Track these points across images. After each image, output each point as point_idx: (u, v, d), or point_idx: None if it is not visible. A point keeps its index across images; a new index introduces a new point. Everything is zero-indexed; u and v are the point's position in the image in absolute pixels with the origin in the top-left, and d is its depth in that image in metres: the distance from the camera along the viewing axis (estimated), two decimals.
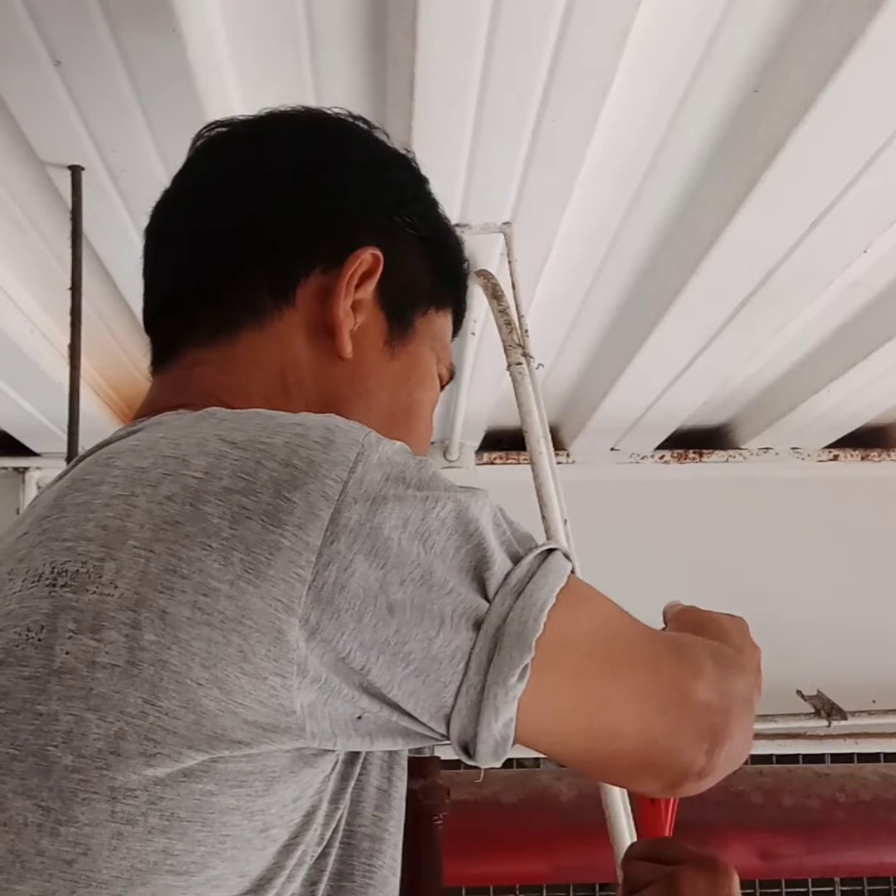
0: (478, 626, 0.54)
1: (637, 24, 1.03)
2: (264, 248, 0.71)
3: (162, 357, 0.73)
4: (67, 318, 1.42)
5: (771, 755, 2.38)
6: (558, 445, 2.54)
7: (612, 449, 2.58)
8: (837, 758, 2.41)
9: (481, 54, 1.06)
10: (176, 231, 0.75)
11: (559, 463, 1.55)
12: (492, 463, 2.53)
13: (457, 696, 0.54)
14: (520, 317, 1.44)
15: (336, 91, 1.19)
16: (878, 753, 2.43)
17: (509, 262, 1.45)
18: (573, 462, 2.57)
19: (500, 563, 0.56)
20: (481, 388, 2.01)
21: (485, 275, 1.49)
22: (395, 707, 0.54)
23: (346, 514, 0.53)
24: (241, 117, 0.77)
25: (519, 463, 2.48)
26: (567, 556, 0.61)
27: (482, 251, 1.49)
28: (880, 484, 2.63)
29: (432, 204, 0.81)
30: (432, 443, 2.46)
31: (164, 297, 0.74)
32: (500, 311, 1.42)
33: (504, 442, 2.53)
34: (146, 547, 0.52)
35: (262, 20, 1.09)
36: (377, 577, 0.52)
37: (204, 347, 0.70)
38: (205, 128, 0.77)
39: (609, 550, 2.34)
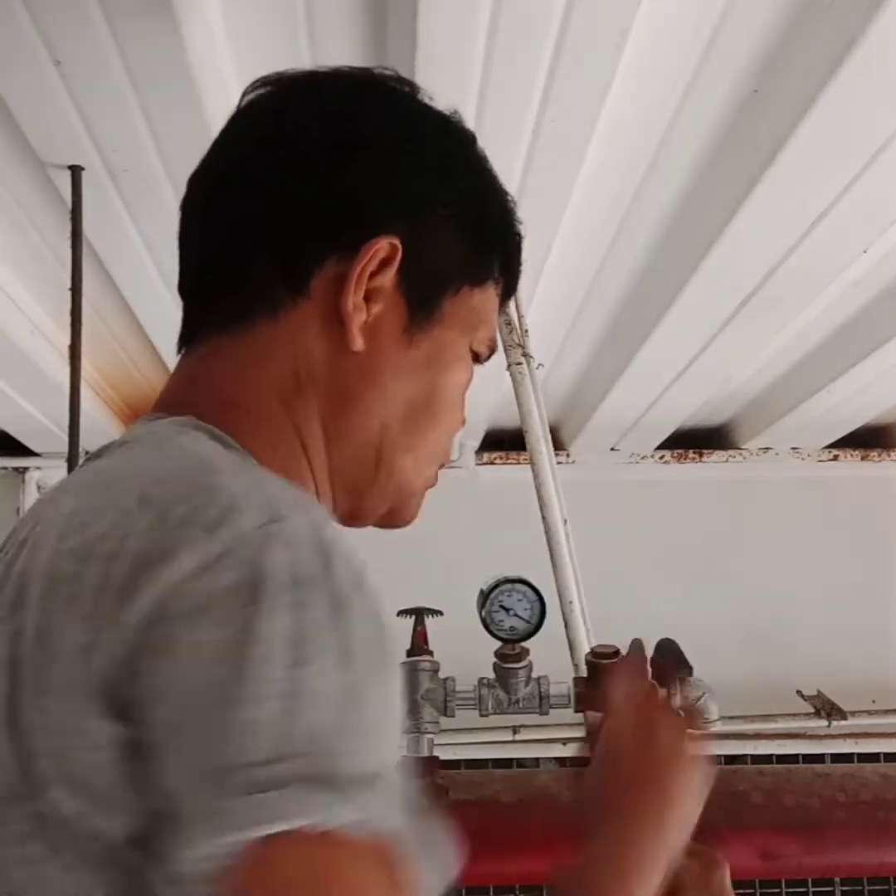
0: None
1: (637, 24, 1.03)
2: (282, 235, 0.68)
3: (184, 338, 0.71)
4: (67, 319, 1.42)
5: (771, 755, 2.38)
6: (558, 445, 2.54)
7: (612, 449, 2.58)
8: (837, 758, 2.41)
9: (481, 54, 1.06)
10: (201, 210, 0.72)
11: (559, 463, 1.55)
12: (492, 463, 2.53)
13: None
14: (520, 317, 1.44)
15: None
16: (878, 753, 2.42)
17: None
18: (573, 462, 2.57)
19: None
20: (481, 388, 2.01)
21: None
22: None
23: (172, 607, 0.49)
24: (288, 75, 0.73)
25: (519, 463, 2.48)
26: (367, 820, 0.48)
27: None
28: (880, 484, 2.63)
29: (476, 172, 0.76)
30: None
31: (190, 278, 0.72)
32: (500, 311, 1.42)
33: (504, 442, 2.53)
34: (36, 604, 0.52)
35: (262, 20, 1.09)
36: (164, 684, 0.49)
37: (222, 334, 0.68)
38: (250, 86, 0.73)
39: (609, 550, 2.35)
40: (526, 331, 1.44)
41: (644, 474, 2.62)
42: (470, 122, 1.16)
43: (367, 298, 0.68)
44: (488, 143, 1.21)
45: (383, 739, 0.52)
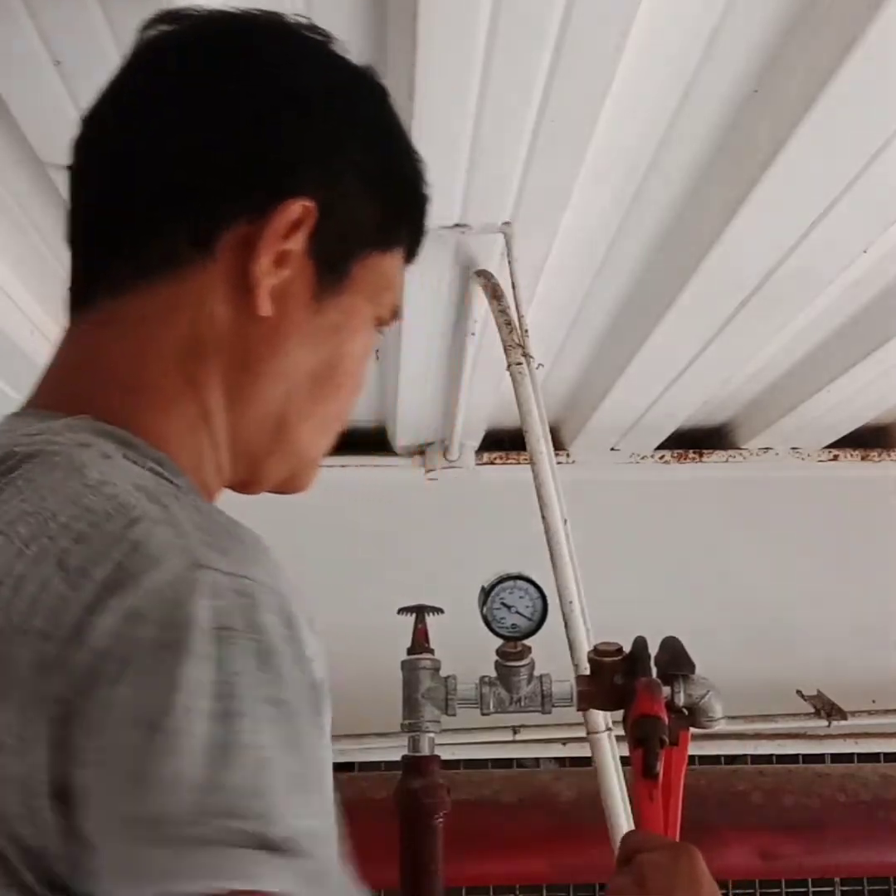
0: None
1: (637, 24, 1.03)
2: (189, 188, 0.64)
3: (76, 300, 0.67)
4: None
5: (771, 755, 2.38)
6: (558, 445, 2.54)
7: (612, 449, 2.58)
8: (837, 758, 2.40)
9: (481, 54, 1.06)
10: (97, 150, 0.67)
11: (559, 463, 1.55)
12: (492, 463, 2.52)
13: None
14: (520, 317, 1.44)
15: None
16: (878, 753, 2.42)
17: (509, 262, 1.45)
18: (573, 462, 2.57)
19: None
20: (481, 388, 2.01)
21: (485, 275, 1.49)
22: None
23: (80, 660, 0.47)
24: (192, 13, 0.68)
25: (519, 463, 2.48)
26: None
27: (482, 251, 1.49)
28: (880, 484, 2.63)
29: (389, 129, 0.74)
30: (432, 443, 2.47)
31: (79, 228, 0.67)
32: (500, 311, 1.42)
33: (504, 442, 2.53)
34: None
35: None
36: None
37: (116, 298, 0.64)
38: (150, 20, 0.68)
39: (609, 550, 2.34)
40: (526, 331, 1.44)
41: (644, 474, 2.62)
42: (469, 123, 1.17)
43: (277, 262, 0.64)
44: (488, 143, 1.21)
45: (315, 795, 0.49)
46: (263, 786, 0.46)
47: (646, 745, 0.84)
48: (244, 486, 0.71)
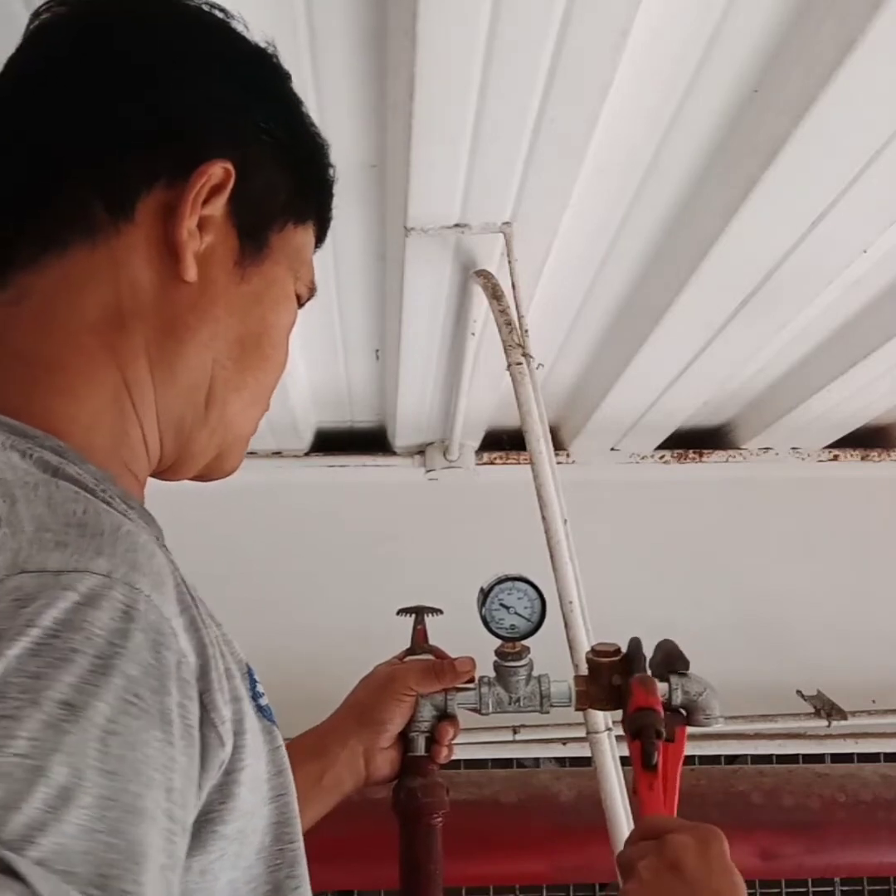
0: None
1: (637, 24, 1.03)
2: (97, 153, 0.63)
3: None
4: None
5: (771, 755, 2.38)
6: (558, 445, 2.54)
7: (612, 449, 2.58)
8: (837, 758, 2.40)
9: (481, 54, 1.06)
10: (5, 118, 0.65)
11: (559, 463, 1.55)
12: (492, 463, 2.53)
13: None
14: (520, 317, 1.44)
15: (336, 91, 1.19)
16: (878, 753, 2.42)
17: (509, 262, 1.45)
18: (573, 462, 2.57)
19: None
20: (481, 388, 2.01)
21: (485, 275, 1.49)
22: None
23: None
24: None
25: (519, 463, 2.48)
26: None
27: (482, 251, 1.49)
28: (880, 484, 2.63)
29: (294, 106, 0.73)
30: (432, 443, 2.47)
31: None
32: (500, 311, 1.42)
33: (504, 442, 2.53)
34: None
35: (261, 20, 1.09)
36: None
37: (28, 272, 0.62)
38: (42, 5, 0.67)
39: (609, 550, 2.34)
40: (526, 331, 1.44)
41: (644, 474, 2.62)
42: (469, 124, 1.17)
43: (199, 227, 0.64)
44: (488, 143, 1.21)
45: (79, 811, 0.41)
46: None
47: (643, 736, 0.85)
48: (172, 468, 0.69)
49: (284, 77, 0.74)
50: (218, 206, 0.65)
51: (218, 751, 0.53)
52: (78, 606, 0.46)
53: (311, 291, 0.76)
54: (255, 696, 0.61)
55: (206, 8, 0.70)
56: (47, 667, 0.43)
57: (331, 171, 0.77)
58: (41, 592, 0.45)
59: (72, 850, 0.40)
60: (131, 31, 0.66)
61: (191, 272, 0.63)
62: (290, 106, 0.74)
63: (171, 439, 0.66)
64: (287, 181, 0.71)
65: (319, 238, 0.77)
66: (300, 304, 0.76)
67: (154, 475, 0.69)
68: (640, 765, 0.84)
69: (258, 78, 0.71)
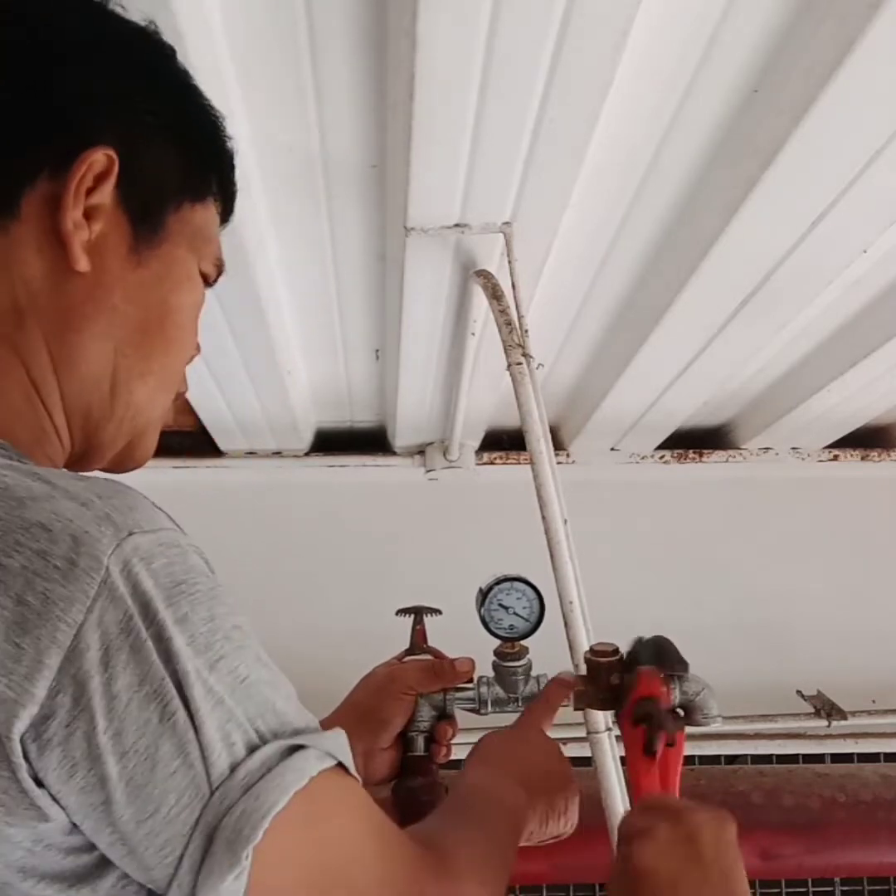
0: (195, 820, 0.50)
1: (637, 24, 1.03)
2: None
3: None
4: None
5: (771, 755, 2.38)
6: (558, 445, 2.54)
7: (612, 449, 2.58)
8: (837, 758, 2.41)
9: (481, 54, 1.06)
10: None
11: (559, 463, 1.55)
12: (492, 463, 2.53)
13: (169, 886, 0.50)
14: (520, 317, 1.44)
15: (336, 91, 1.19)
16: (878, 753, 2.42)
17: (509, 262, 1.45)
18: (573, 462, 2.57)
19: (227, 751, 0.51)
20: (481, 388, 2.01)
21: (485, 275, 1.49)
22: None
23: (76, 664, 0.48)
24: None
25: (519, 463, 2.48)
26: (333, 754, 0.57)
27: (482, 251, 1.49)
28: (880, 484, 2.63)
29: (180, 84, 0.72)
30: (432, 443, 2.47)
31: None
32: (500, 311, 1.42)
33: (504, 442, 2.53)
34: None
35: (261, 20, 1.09)
36: (98, 741, 0.48)
37: None
38: None
39: (609, 550, 2.35)
40: (526, 331, 1.44)
41: (644, 474, 2.62)
42: (469, 124, 1.17)
43: (87, 216, 0.63)
44: (488, 143, 1.21)
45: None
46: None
47: (648, 722, 0.85)
48: (83, 459, 0.69)
49: (167, 55, 0.72)
50: (105, 194, 0.64)
51: None
52: (188, 552, 0.56)
53: (219, 269, 0.75)
54: None
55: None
56: (221, 606, 0.56)
57: (228, 144, 0.75)
58: (163, 545, 0.54)
59: (297, 717, 0.57)
60: (21, 23, 0.64)
61: (81, 263, 0.63)
62: (175, 85, 0.72)
63: (78, 430, 0.67)
64: (178, 161, 0.69)
65: (225, 213, 0.76)
66: (209, 284, 0.74)
67: (66, 466, 0.69)
68: (640, 751, 0.84)
69: (138, 60, 0.69)
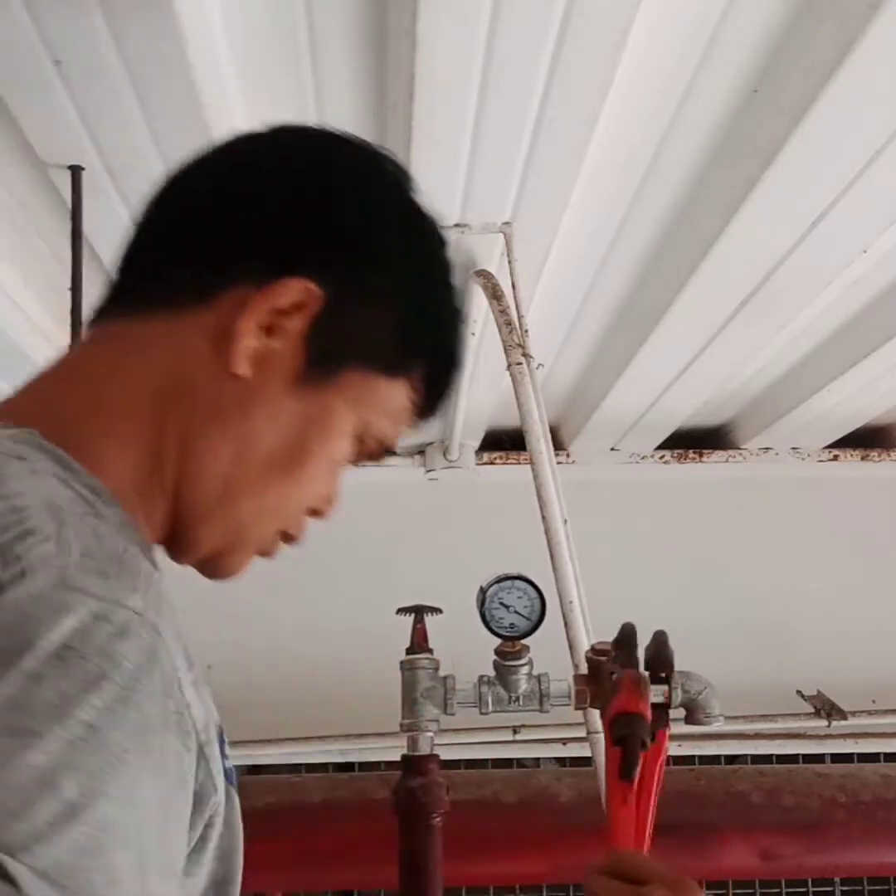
0: None
1: (637, 24, 1.03)
2: (207, 240, 0.68)
3: (93, 316, 0.71)
4: (67, 318, 1.42)
5: (771, 755, 2.38)
6: (558, 445, 2.54)
7: (612, 449, 2.59)
8: (837, 758, 2.41)
9: (481, 54, 1.06)
10: (157, 200, 0.72)
11: (559, 463, 1.55)
12: (492, 463, 2.53)
13: None
14: (520, 317, 1.44)
15: (336, 91, 1.19)
16: (878, 753, 2.42)
17: (509, 262, 1.45)
18: (573, 462, 2.57)
19: None
20: (481, 388, 2.01)
21: (485, 275, 1.49)
22: None
23: None
24: (287, 125, 0.73)
25: (519, 463, 2.48)
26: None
27: (482, 251, 1.49)
28: (880, 484, 2.63)
29: (436, 275, 0.73)
30: (432, 443, 2.47)
31: (122, 256, 0.72)
32: (500, 311, 1.42)
33: (504, 442, 2.54)
34: None
35: (262, 21, 1.09)
36: None
37: (120, 322, 0.68)
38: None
39: (609, 550, 2.35)
40: (526, 331, 1.44)
41: (644, 474, 2.62)
42: (469, 124, 1.17)
43: (269, 331, 0.66)
44: (488, 143, 1.21)
45: (84, 828, 0.45)
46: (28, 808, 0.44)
47: (625, 744, 0.80)
48: (173, 545, 0.70)
49: (440, 245, 0.74)
50: (297, 322, 0.66)
51: (211, 798, 0.57)
52: (112, 636, 0.49)
53: (381, 447, 0.74)
54: (224, 757, 0.63)
55: (384, 163, 0.73)
56: (78, 687, 0.47)
57: (457, 356, 0.75)
58: (81, 612, 0.49)
59: (65, 864, 0.43)
60: (277, 162, 0.70)
61: (237, 364, 0.65)
62: (432, 274, 0.73)
63: (180, 519, 0.68)
64: (389, 334, 0.70)
65: (426, 410, 0.74)
66: (367, 456, 0.74)
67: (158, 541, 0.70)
68: (617, 774, 0.80)
69: (410, 236, 0.72)
